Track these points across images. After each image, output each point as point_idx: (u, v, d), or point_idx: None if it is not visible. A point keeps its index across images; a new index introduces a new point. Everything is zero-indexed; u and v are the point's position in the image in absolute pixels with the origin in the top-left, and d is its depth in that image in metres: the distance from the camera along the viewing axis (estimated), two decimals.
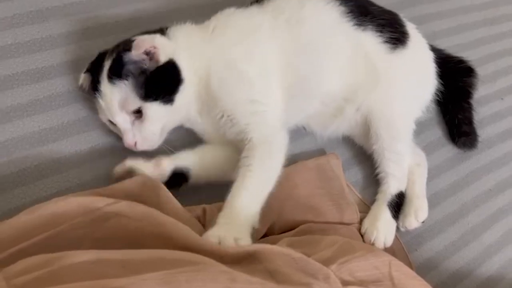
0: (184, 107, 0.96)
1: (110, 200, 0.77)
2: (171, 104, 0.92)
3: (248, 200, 0.88)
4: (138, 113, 0.90)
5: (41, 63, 1.00)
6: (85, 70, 0.96)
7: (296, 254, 0.73)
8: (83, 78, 0.96)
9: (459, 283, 1.12)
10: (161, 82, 0.90)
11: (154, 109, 0.90)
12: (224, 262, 0.69)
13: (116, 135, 0.97)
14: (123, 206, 0.77)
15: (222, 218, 0.85)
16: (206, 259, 0.68)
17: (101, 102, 0.90)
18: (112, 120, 0.92)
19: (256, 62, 0.98)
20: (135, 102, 0.88)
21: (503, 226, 1.23)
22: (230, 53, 0.97)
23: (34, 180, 0.92)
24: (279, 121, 0.99)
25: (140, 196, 0.83)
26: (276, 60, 1.00)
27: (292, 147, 1.12)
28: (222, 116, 0.96)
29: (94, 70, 0.93)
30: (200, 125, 1.02)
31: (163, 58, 0.91)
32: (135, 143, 0.91)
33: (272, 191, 0.92)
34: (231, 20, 1.02)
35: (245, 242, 0.81)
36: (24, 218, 0.73)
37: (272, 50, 1.00)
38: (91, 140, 0.99)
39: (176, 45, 0.94)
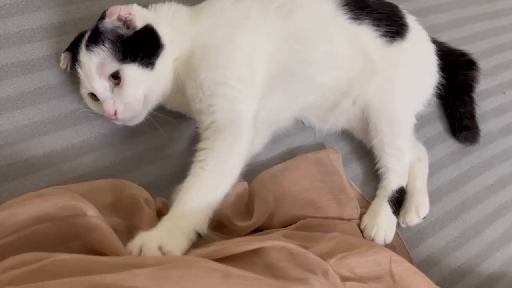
0: (166, 75, 0.94)
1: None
2: (151, 68, 0.90)
3: (195, 203, 0.82)
4: (117, 79, 0.87)
5: (31, 55, 0.98)
6: (65, 50, 0.95)
7: (295, 249, 0.71)
8: (64, 57, 0.95)
9: (461, 280, 1.10)
10: (139, 44, 0.89)
11: (133, 72, 0.88)
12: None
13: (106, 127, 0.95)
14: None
15: (164, 221, 0.79)
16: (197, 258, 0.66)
17: (80, 72, 0.89)
18: (91, 89, 0.89)
19: (239, 47, 0.95)
20: (113, 65, 0.87)
21: (505, 222, 1.21)
22: (214, 34, 0.95)
23: (24, 174, 0.90)
24: (251, 113, 0.93)
25: None
26: (263, 47, 0.97)
27: (291, 141, 1.13)
28: (190, 94, 0.93)
29: (74, 47, 0.92)
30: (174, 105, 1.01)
31: (139, 24, 0.90)
32: (116, 112, 0.88)
33: (267, 187, 0.89)
34: (218, 4, 1.00)
35: (173, 250, 0.73)
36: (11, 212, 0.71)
37: (258, 37, 0.97)
38: (82, 133, 0.96)
39: (157, 18, 0.94)
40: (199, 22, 0.97)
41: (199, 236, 0.79)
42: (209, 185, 0.85)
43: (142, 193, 0.88)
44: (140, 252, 0.71)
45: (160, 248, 0.72)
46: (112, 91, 0.88)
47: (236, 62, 0.94)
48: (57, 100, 0.96)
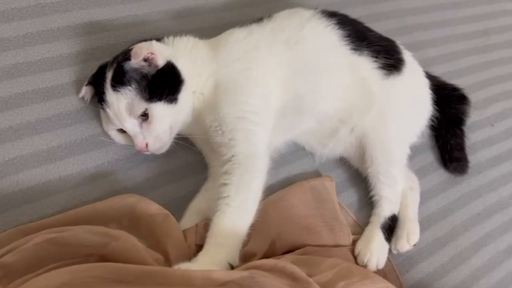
0: (188, 105, 0.99)
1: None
2: (175, 103, 0.95)
3: (225, 238, 0.91)
4: (144, 115, 0.93)
5: (50, 82, 1.02)
6: (86, 82, 0.99)
7: (301, 277, 0.75)
8: (85, 90, 0.99)
9: None
10: (163, 83, 0.94)
11: (160, 109, 0.93)
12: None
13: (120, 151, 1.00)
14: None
15: (200, 255, 0.88)
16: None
17: (109, 111, 0.93)
18: (122, 127, 0.95)
19: (255, 81, 1.01)
20: (141, 105, 0.92)
21: (490, 250, 1.26)
22: (231, 69, 1.01)
23: (41, 198, 0.94)
24: (265, 144, 1.01)
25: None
26: (275, 78, 1.03)
27: (290, 169, 1.16)
28: (211, 126, 0.99)
29: (96, 82, 0.97)
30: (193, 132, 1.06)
31: (161, 62, 0.95)
32: (146, 145, 0.94)
33: (268, 212, 0.96)
34: (232, 38, 1.06)
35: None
36: None
37: (270, 68, 1.03)
38: (97, 159, 1.01)
39: (175, 52, 0.99)
40: (217, 57, 1.02)
41: (231, 267, 0.88)
42: (236, 219, 0.93)
43: (157, 210, 0.94)
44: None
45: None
46: (141, 127, 0.94)
47: (254, 96, 1.00)
48: (73, 126, 1.01)
